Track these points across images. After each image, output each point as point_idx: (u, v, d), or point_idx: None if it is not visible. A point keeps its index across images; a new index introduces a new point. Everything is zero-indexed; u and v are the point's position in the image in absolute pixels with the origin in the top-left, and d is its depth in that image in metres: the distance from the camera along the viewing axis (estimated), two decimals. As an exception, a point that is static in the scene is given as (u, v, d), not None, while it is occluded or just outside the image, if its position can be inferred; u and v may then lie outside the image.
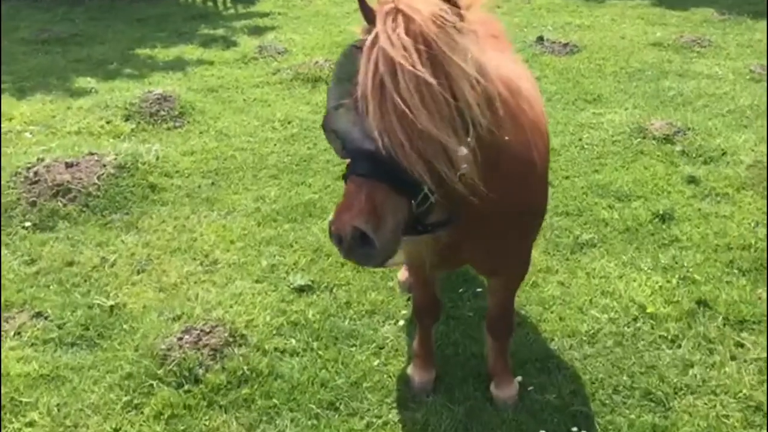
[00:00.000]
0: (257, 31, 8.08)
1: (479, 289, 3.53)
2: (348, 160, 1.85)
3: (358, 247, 1.72)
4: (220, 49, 7.44)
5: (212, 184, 4.65)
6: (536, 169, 2.32)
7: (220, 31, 8.06)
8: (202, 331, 3.18)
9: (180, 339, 3.13)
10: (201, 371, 2.99)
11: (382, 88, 1.69)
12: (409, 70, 1.66)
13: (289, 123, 5.61)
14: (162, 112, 5.63)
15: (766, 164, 4.61)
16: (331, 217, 1.75)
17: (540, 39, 7.37)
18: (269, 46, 7.33)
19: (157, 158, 4.86)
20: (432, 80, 1.66)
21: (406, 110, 1.65)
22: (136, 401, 2.89)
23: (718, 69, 6.66)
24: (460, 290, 3.55)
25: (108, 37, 7.87)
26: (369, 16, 1.81)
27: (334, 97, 1.91)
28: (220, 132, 5.44)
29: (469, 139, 1.76)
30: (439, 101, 1.68)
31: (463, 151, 1.71)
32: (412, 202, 1.73)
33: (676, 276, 3.59)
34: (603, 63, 6.83)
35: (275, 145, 5.22)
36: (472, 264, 2.69)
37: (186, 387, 2.94)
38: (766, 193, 4.35)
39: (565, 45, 7.27)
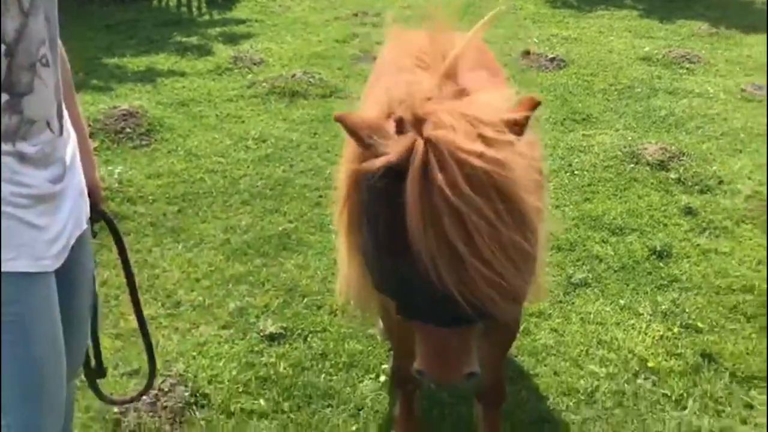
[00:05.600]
0: (233, 39, 7.73)
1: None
2: None
3: (468, 382, 1.65)
4: (193, 58, 7.08)
5: (179, 211, 4.33)
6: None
7: (194, 39, 7.69)
8: (160, 390, 2.86)
9: (137, 401, 2.81)
10: (158, 439, 2.69)
11: (452, 250, 1.48)
12: (486, 228, 1.46)
13: (263, 142, 5.30)
14: (128, 130, 5.29)
15: (764, 196, 4.39)
16: (417, 366, 1.65)
17: (526, 53, 7.12)
18: (245, 56, 7.00)
19: (120, 183, 4.53)
20: (515, 237, 1.49)
21: (490, 274, 1.48)
22: (83, 476, 2.58)
23: (708, 87, 6.44)
24: (446, 339, 3.27)
25: (75, 45, 7.41)
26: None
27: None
28: (190, 152, 5.11)
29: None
30: (521, 251, 1.52)
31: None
32: None
33: (678, 323, 3.34)
34: (591, 79, 6.58)
35: (248, 166, 4.90)
36: None
37: (141, 458, 2.63)
38: (766, 227, 4.13)
39: (552, 59, 7.01)
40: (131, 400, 2.47)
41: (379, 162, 1.53)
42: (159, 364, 3.02)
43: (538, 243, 1.66)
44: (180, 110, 5.86)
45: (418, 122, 1.53)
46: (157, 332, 3.29)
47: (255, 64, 6.90)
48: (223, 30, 8.04)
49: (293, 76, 6.40)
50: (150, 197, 4.47)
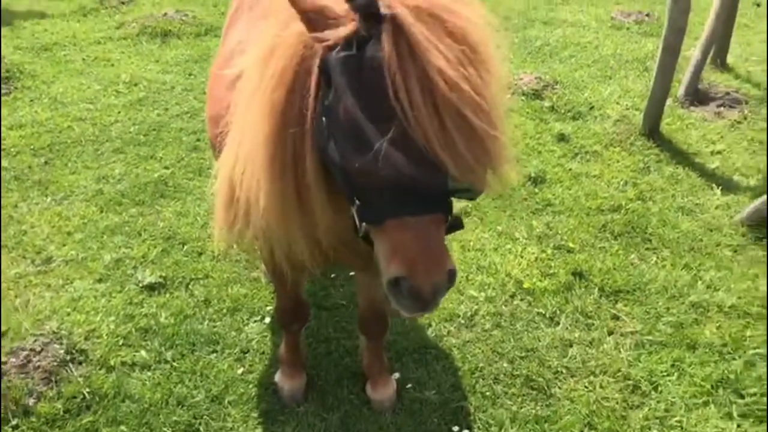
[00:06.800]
0: (96, -24, 7.23)
1: (352, 273, 3.28)
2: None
3: (448, 285, 1.52)
4: (53, -2, 6.60)
5: (45, 163, 4.08)
6: None
7: (53, -23, 7.15)
8: (32, 350, 2.74)
9: (4, 363, 2.68)
10: (31, 401, 2.57)
11: (430, 96, 1.41)
12: (455, 73, 1.42)
13: (135, 85, 5.04)
14: (-18, 78, 4.89)
15: (631, 120, 4.61)
16: (394, 272, 1.47)
17: (406, -15, 7.05)
18: (110, -5, 6.58)
19: (-23, 135, 4.21)
20: (488, 91, 1.48)
21: (469, 115, 1.42)
22: (-49, 445, 2.45)
23: (581, 16, 6.64)
24: (332, 275, 3.29)
25: None
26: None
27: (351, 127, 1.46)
28: (55, 99, 4.79)
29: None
30: (489, 101, 1.48)
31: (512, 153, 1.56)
32: None
33: (551, 245, 3.49)
34: (470, 11, 6.62)
35: (119, 112, 4.66)
36: (340, 261, 2.40)
37: (13, 422, 2.51)
38: (632, 150, 4.35)
39: (432, -8, 6.99)
40: None
41: (344, 30, 1.44)
42: (28, 324, 2.91)
43: (503, 113, 1.65)
44: (42, 55, 5.48)
45: None
46: (26, 291, 3.13)
47: (123, 3, 6.51)
48: (85, -33, 7.51)
49: (165, 15, 6.09)
50: (12, 149, 4.19)
